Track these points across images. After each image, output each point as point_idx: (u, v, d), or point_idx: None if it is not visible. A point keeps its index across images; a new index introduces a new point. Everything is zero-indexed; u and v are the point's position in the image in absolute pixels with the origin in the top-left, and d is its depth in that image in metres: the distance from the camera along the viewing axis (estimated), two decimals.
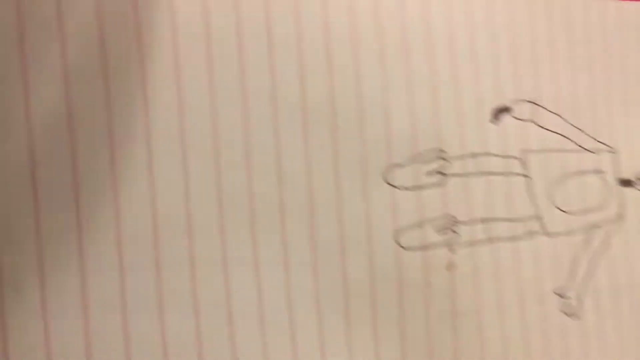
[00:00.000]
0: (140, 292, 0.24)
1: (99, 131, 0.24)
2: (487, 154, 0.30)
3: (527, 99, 0.31)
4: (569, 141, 0.32)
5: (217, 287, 0.25)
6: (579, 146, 0.32)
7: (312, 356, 0.27)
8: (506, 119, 0.30)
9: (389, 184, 0.28)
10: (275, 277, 0.26)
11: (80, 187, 0.23)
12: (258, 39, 0.26)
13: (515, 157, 0.30)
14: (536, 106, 0.31)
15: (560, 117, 0.31)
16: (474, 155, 0.29)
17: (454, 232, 0.29)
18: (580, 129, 0.32)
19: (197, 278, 0.25)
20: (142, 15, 0.24)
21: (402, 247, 0.28)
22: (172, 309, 0.24)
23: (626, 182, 0.33)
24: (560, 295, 0.31)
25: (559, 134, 0.31)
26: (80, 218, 0.23)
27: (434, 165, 0.28)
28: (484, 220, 0.29)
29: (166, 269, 0.24)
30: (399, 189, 0.28)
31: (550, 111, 0.31)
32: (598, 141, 0.32)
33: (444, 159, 0.29)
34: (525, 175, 0.30)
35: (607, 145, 0.33)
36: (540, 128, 0.31)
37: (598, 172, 0.32)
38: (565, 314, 0.31)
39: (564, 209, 0.31)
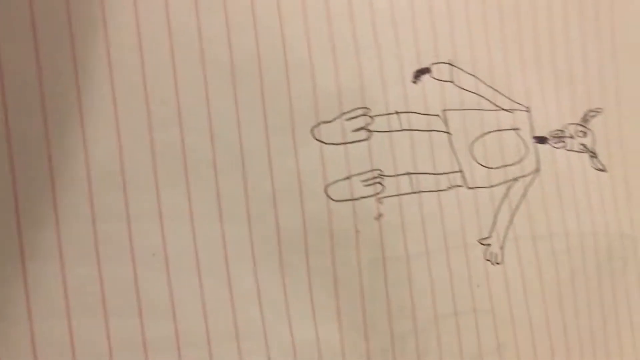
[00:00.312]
0: (76, 244, 0.25)
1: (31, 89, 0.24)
2: (410, 112, 0.32)
3: (446, 61, 0.33)
4: (487, 101, 0.34)
5: (153, 239, 0.26)
6: (496, 105, 0.34)
7: (249, 305, 0.28)
8: (426, 79, 0.32)
9: (317, 139, 0.29)
10: (211, 229, 0.27)
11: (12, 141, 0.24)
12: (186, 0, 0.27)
13: (436, 115, 0.32)
14: (454, 68, 0.33)
15: (477, 78, 0.34)
16: (397, 113, 0.31)
17: (381, 184, 0.31)
18: (496, 90, 0.34)
19: (133, 230, 0.26)
20: None
21: (332, 199, 0.30)
22: (109, 260, 0.25)
23: (541, 139, 0.36)
24: (483, 244, 0.33)
25: (476, 93, 0.34)
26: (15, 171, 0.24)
27: (360, 122, 0.30)
28: (409, 174, 0.31)
29: (101, 222, 0.25)
30: (327, 144, 0.30)
31: (467, 72, 0.33)
32: (513, 101, 0.35)
33: (369, 116, 0.30)
34: (447, 132, 0.33)
35: (522, 105, 0.35)
36: (458, 88, 0.33)
37: (515, 129, 0.35)
38: (489, 261, 0.33)
39: (483, 164, 0.34)
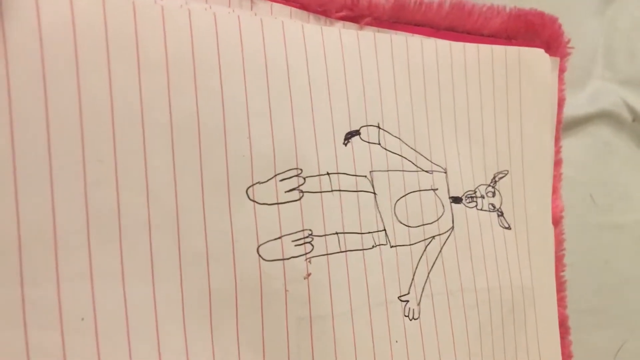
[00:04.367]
0: (2, 308, 0.23)
1: None
2: (340, 173, 0.33)
3: (374, 124, 0.34)
4: (409, 162, 0.36)
5: (83, 302, 0.25)
6: (417, 167, 0.36)
7: None
8: (356, 141, 0.33)
9: (251, 200, 0.30)
10: (142, 290, 0.27)
11: None
12: (127, 60, 0.26)
13: (364, 176, 0.34)
14: (381, 130, 0.35)
15: (402, 140, 0.35)
16: (328, 174, 0.32)
17: (311, 244, 0.31)
18: (417, 152, 0.36)
19: (62, 293, 0.25)
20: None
21: (264, 259, 0.30)
22: (36, 324, 0.24)
23: (456, 199, 0.38)
24: (402, 300, 0.35)
25: (400, 155, 0.35)
26: None
27: (293, 183, 0.31)
28: (337, 233, 0.32)
29: (30, 285, 0.24)
30: (260, 204, 0.30)
31: (393, 135, 0.35)
32: (433, 163, 0.37)
33: (302, 177, 0.31)
34: (373, 192, 0.34)
35: (440, 167, 0.37)
36: (384, 150, 0.35)
37: (433, 190, 0.37)
38: (407, 316, 0.35)
39: (405, 223, 0.35)
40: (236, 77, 0.29)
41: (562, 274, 0.44)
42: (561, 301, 0.44)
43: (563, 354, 0.43)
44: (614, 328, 0.51)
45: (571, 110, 0.44)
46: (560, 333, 0.43)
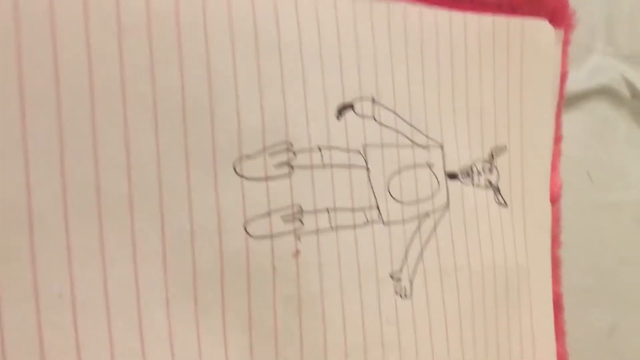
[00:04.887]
0: None
1: None
2: (332, 147, 0.31)
3: (368, 97, 0.33)
4: (404, 137, 0.35)
5: (60, 280, 0.24)
6: (413, 142, 0.35)
7: (161, 346, 0.27)
8: (349, 115, 0.32)
9: (238, 174, 0.28)
10: (123, 269, 0.26)
11: None
12: (107, 26, 0.25)
13: (357, 151, 0.32)
14: (376, 104, 0.33)
15: (397, 114, 0.34)
16: (319, 148, 0.31)
17: (300, 221, 0.30)
18: (413, 126, 0.35)
19: (39, 271, 0.24)
20: None
21: (251, 235, 0.29)
22: (11, 300, 0.23)
23: (452, 175, 0.37)
24: (394, 279, 0.34)
25: (395, 129, 0.34)
26: None
27: (283, 158, 0.30)
28: (328, 210, 0.31)
29: (4, 262, 0.23)
30: (248, 179, 0.29)
31: (388, 109, 0.34)
32: (429, 137, 0.36)
33: (292, 151, 0.30)
34: (366, 168, 0.33)
35: (437, 141, 0.36)
36: (379, 124, 0.33)
37: (429, 165, 0.36)
38: (399, 295, 0.34)
39: (398, 199, 0.34)
40: (223, 45, 0.28)
41: (558, 252, 0.43)
42: (556, 279, 0.43)
43: (557, 332, 0.43)
44: (609, 307, 0.51)
45: (570, 85, 0.43)
46: (554, 311, 0.43)
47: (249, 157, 0.29)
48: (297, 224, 0.30)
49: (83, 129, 0.24)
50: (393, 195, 0.34)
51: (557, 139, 0.43)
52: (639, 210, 0.52)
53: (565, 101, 0.46)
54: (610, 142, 0.51)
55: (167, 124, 0.26)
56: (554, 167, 0.43)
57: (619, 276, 0.51)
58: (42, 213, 0.24)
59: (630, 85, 0.51)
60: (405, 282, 0.34)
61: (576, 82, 0.47)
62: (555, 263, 0.43)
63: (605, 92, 0.50)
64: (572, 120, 0.47)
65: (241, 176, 0.28)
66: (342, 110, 0.32)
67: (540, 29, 0.39)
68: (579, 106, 0.49)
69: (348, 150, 0.32)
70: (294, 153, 0.30)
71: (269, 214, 0.29)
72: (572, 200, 0.46)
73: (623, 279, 0.51)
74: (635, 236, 0.52)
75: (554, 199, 0.43)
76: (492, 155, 0.39)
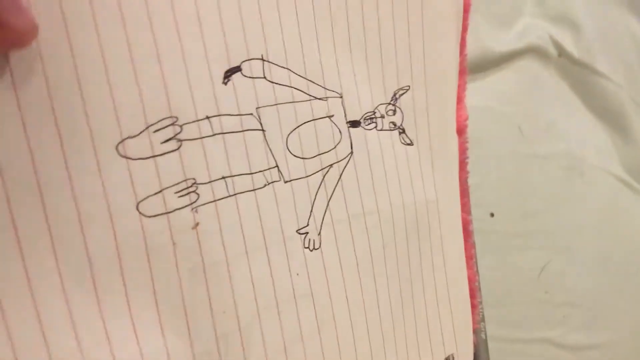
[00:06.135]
0: None
1: None
2: (222, 115, 0.31)
3: (257, 57, 0.32)
4: (300, 92, 0.34)
5: None
6: (310, 95, 0.34)
7: (64, 334, 0.27)
8: (237, 78, 0.31)
9: (123, 156, 0.28)
10: (11, 267, 0.25)
11: None
12: None
13: (250, 114, 0.32)
14: (266, 63, 0.32)
15: (290, 70, 0.33)
16: (207, 117, 0.30)
17: (196, 193, 0.30)
18: (309, 80, 0.34)
19: None
20: None
21: (145, 215, 0.28)
22: None
23: (354, 123, 0.37)
24: (301, 233, 0.34)
25: (289, 86, 0.33)
26: None
27: (169, 133, 0.29)
28: (224, 178, 0.31)
29: None
30: (134, 160, 0.28)
31: (280, 66, 0.33)
32: (327, 89, 0.35)
33: (177, 125, 0.29)
34: (261, 130, 0.32)
35: (335, 92, 0.36)
36: (271, 83, 0.33)
37: (329, 117, 0.35)
38: (308, 248, 0.35)
39: (299, 155, 0.34)
40: (83, 19, 0.26)
41: (466, 181, 0.45)
42: (464, 207, 0.45)
43: (466, 256, 0.45)
44: (538, 250, 0.54)
45: (501, 46, 0.44)
46: (464, 237, 0.45)
47: (132, 137, 0.28)
48: (193, 197, 0.30)
49: None
50: (293, 152, 0.34)
51: (462, 71, 0.43)
52: (566, 161, 0.55)
53: (496, 61, 0.47)
54: (539, 98, 0.53)
55: (34, 115, 0.25)
56: (460, 99, 0.43)
57: (548, 221, 0.54)
58: None
59: (557, 44, 0.52)
60: (312, 235, 0.35)
61: (506, 43, 0.48)
62: (463, 191, 0.45)
63: (534, 51, 0.51)
64: (504, 78, 0.48)
65: (126, 157, 0.28)
66: (228, 74, 0.31)
67: None
68: (510, 65, 0.50)
69: (240, 115, 0.31)
70: (180, 127, 0.29)
71: (161, 191, 0.29)
72: (504, 152, 0.48)
73: (552, 224, 0.54)
74: (562, 184, 0.55)
75: (460, 131, 0.44)
76: (395, 97, 0.39)
